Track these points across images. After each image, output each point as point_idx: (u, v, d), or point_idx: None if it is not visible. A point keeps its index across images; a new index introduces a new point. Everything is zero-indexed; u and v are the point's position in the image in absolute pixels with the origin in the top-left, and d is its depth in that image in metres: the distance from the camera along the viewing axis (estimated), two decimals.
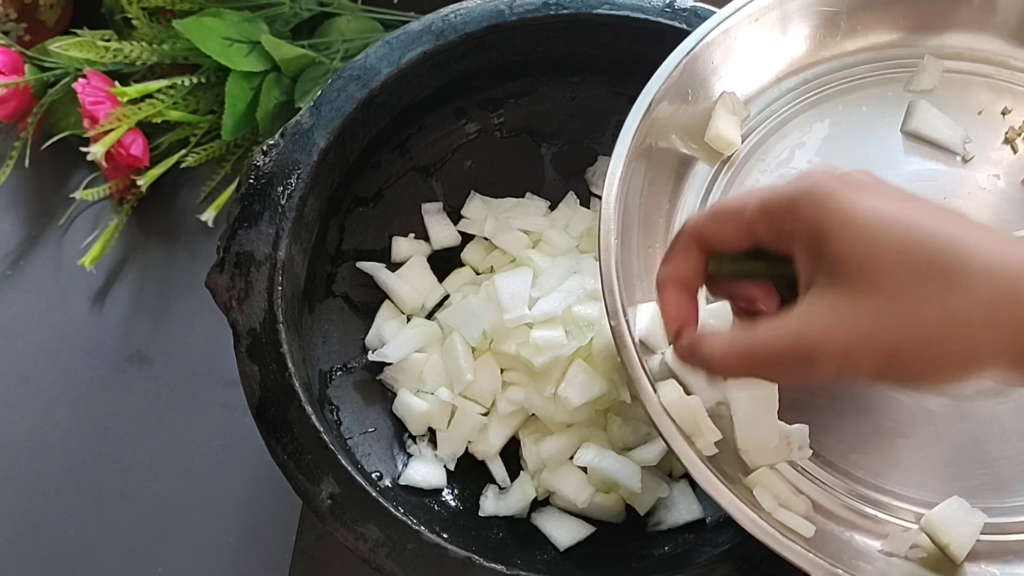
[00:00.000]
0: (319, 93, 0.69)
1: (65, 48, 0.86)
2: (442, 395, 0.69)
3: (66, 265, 0.89)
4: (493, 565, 0.56)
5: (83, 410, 0.84)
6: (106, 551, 0.79)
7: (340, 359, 0.72)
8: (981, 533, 0.54)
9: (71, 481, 0.81)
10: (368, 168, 0.75)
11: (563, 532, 0.66)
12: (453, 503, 0.69)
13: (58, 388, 0.85)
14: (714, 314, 0.60)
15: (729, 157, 0.64)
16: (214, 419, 0.82)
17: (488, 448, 0.70)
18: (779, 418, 0.56)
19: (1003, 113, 0.64)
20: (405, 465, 0.69)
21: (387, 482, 0.67)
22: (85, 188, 0.88)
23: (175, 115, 0.87)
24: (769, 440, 0.56)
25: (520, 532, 0.68)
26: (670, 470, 0.69)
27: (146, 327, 0.87)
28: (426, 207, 0.78)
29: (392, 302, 0.74)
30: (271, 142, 0.67)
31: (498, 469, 0.70)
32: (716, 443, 0.55)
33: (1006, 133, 0.63)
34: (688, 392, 0.56)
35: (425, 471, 0.69)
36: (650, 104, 0.59)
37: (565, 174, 0.80)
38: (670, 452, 0.55)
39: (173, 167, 0.88)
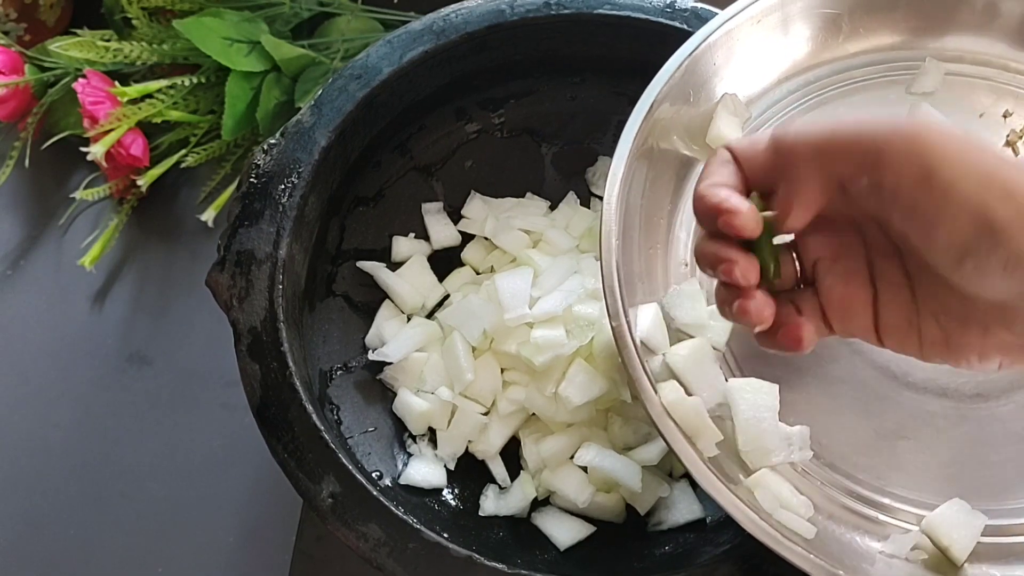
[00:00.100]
0: (320, 92, 0.69)
1: (65, 48, 0.86)
2: (442, 395, 0.69)
3: (66, 265, 0.89)
4: (494, 564, 0.56)
5: (83, 410, 0.84)
6: (106, 551, 0.79)
7: (340, 358, 0.72)
8: (982, 535, 0.54)
9: (71, 481, 0.81)
10: (369, 167, 0.75)
11: (564, 532, 0.66)
12: (453, 503, 0.69)
13: (58, 388, 0.85)
14: (715, 315, 0.60)
15: None
16: (214, 419, 0.82)
17: (488, 448, 0.70)
18: (780, 419, 0.57)
19: (1004, 116, 0.64)
20: (405, 465, 0.69)
21: (387, 481, 0.67)
22: (85, 188, 0.88)
23: (175, 115, 0.87)
24: (770, 441, 0.56)
25: (520, 532, 0.68)
26: (670, 470, 0.69)
27: (146, 327, 0.87)
28: (426, 207, 0.77)
29: (392, 302, 0.74)
30: (272, 141, 0.67)
31: (498, 469, 0.70)
32: (717, 444, 0.55)
33: (1007, 136, 0.63)
34: (689, 393, 0.56)
35: (425, 471, 0.68)
36: (652, 105, 0.59)
37: (565, 174, 0.80)
38: (671, 452, 0.55)
39: (173, 167, 0.88)
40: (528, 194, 0.79)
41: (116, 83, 0.87)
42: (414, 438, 0.71)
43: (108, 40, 0.87)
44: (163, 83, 0.86)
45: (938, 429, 0.58)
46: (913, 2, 0.64)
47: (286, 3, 0.90)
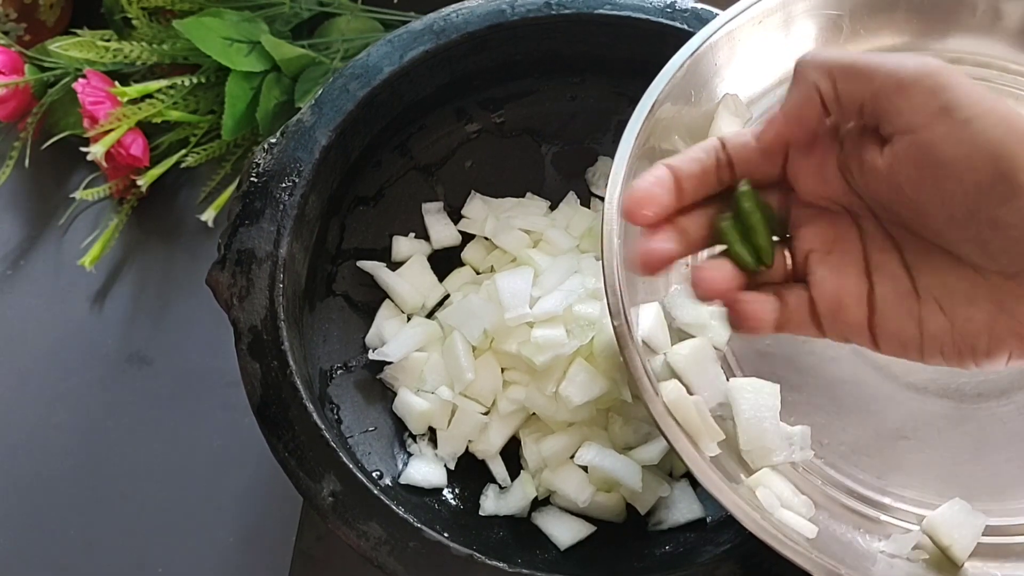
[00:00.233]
0: (321, 91, 0.69)
1: (65, 48, 0.86)
2: (443, 394, 0.69)
3: (66, 265, 0.89)
4: (495, 563, 0.56)
5: (83, 410, 0.84)
6: (106, 551, 0.79)
7: (340, 358, 0.72)
8: (983, 535, 0.54)
9: (71, 481, 0.81)
10: (369, 167, 0.75)
11: (564, 531, 0.66)
12: (453, 502, 0.69)
13: (58, 388, 0.85)
14: (716, 315, 0.60)
15: None
16: (214, 419, 0.82)
17: (488, 447, 0.70)
18: (781, 419, 0.57)
19: None
20: (405, 464, 0.69)
21: (387, 481, 0.67)
22: (85, 188, 0.88)
23: (175, 115, 0.87)
24: (771, 441, 0.56)
25: (521, 531, 0.68)
26: (671, 469, 0.69)
27: (146, 327, 0.87)
28: (427, 207, 0.78)
29: (392, 301, 0.74)
30: (272, 140, 0.67)
31: (499, 468, 0.70)
32: (719, 443, 0.55)
33: None
34: (691, 392, 0.56)
35: (426, 470, 0.68)
36: (653, 105, 0.59)
37: (566, 174, 0.80)
38: (672, 452, 0.55)
39: (173, 167, 0.88)
40: (528, 194, 0.79)
41: (116, 83, 0.87)
42: (414, 438, 0.71)
43: (108, 40, 0.87)
44: (163, 83, 0.86)
45: (939, 429, 0.58)
46: (914, 4, 0.64)
47: (286, 3, 0.90)
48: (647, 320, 0.58)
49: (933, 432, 0.58)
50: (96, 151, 0.83)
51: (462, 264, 0.77)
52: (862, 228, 0.48)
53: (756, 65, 0.64)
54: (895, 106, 0.43)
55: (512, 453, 0.71)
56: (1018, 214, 0.41)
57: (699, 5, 0.70)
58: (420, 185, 0.78)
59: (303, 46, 0.87)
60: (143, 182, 0.87)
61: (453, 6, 0.72)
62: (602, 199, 0.73)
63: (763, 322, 0.48)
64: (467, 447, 0.70)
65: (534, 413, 0.69)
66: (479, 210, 0.77)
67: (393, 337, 0.72)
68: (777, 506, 0.54)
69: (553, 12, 0.71)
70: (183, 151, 0.88)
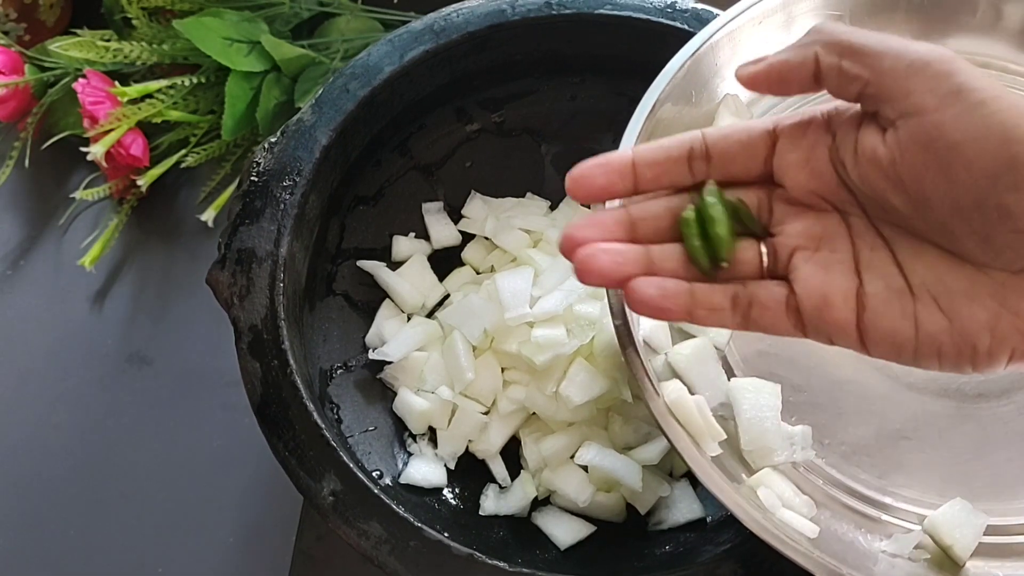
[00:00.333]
0: (321, 91, 0.69)
1: (65, 48, 0.86)
2: (443, 394, 0.69)
3: (66, 265, 0.89)
4: (495, 563, 0.56)
5: (83, 410, 0.84)
6: (106, 551, 0.78)
7: (340, 357, 0.72)
8: (984, 534, 0.54)
9: (71, 481, 0.81)
10: (369, 167, 0.75)
11: (564, 531, 0.66)
12: (454, 502, 0.69)
13: (58, 388, 0.85)
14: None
15: None
16: (214, 419, 0.82)
17: (489, 447, 0.70)
18: (782, 419, 0.57)
19: None
20: (405, 464, 0.69)
21: (387, 481, 0.67)
22: (85, 188, 0.88)
23: (175, 115, 0.87)
24: (772, 441, 0.56)
25: (521, 531, 0.68)
26: (671, 469, 0.69)
27: (146, 327, 0.87)
28: (427, 206, 0.78)
29: (392, 301, 0.74)
30: (273, 140, 0.67)
31: (499, 468, 0.70)
32: (720, 443, 0.55)
33: None
34: (692, 392, 0.56)
35: (426, 470, 0.68)
36: (654, 106, 0.59)
37: (565, 174, 0.80)
38: (673, 452, 0.55)
39: (173, 167, 0.88)
40: (528, 194, 0.79)
41: (116, 83, 0.86)
42: (414, 437, 0.71)
43: (108, 40, 0.87)
44: (163, 83, 0.86)
45: (940, 429, 0.58)
46: (915, 4, 0.64)
47: (286, 3, 0.90)
48: (648, 320, 0.58)
49: (934, 432, 0.58)
50: (96, 151, 0.83)
51: (462, 264, 0.77)
52: (851, 226, 0.47)
53: None
54: (904, 87, 0.43)
55: (512, 453, 0.71)
56: None
57: (699, 5, 0.70)
58: (420, 185, 0.78)
59: (303, 46, 0.87)
60: (143, 182, 0.87)
61: (453, 6, 0.72)
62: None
63: (647, 296, 0.46)
64: (467, 447, 0.70)
65: (534, 413, 0.69)
66: (479, 210, 0.77)
67: (393, 337, 0.72)
68: (778, 506, 0.54)
69: (553, 12, 0.71)
70: (183, 151, 0.88)
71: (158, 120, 0.86)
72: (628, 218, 0.49)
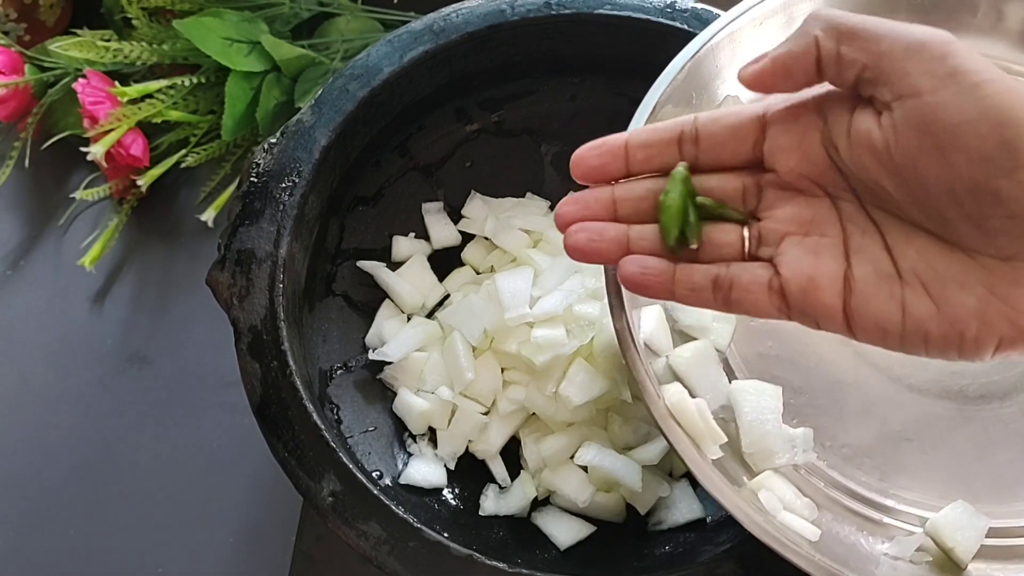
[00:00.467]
0: (320, 91, 0.69)
1: (65, 48, 0.86)
2: (442, 394, 0.69)
3: (66, 265, 0.89)
4: (495, 563, 0.56)
5: (83, 410, 0.84)
6: (106, 551, 0.78)
7: (340, 358, 0.72)
8: (986, 537, 0.54)
9: (71, 481, 0.81)
10: (369, 167, 0.75)
11: (564, 531, 0.66)
12: (453, 502, 0.69)
13: (58, 388, 0.85)
14: (718, 317, 0.60)
15: None
16: (214, 419, 0.82)
17: (488, 447, 0.69)
18: (783, 421, 0.56)
19: None
20: (405, 464, 0.69)
21: (387, 481, 0.67)
22: (85, 188, 0.88)
23: (175, 115, 0.87)
24: (774, 443, 0.56)
25: (521, 531, 0.68)
26: (671, 469, 0.69)
27: (146, 327, 0.87)
28: (426, 206, 0.77)
29: (392, 301, 0.74)
30: (272, 140, 0.67)
31: (498, 468, 0.70)
32: (721, 446, 0.55)
33: None
34: (693, 395, 0.56)
35: (425, 470, 0.68)
36: (654, 107, 0.59)
37: (565, 174, 0.79)
38: (675, 455, 0.55)
39: (173, 167, 0.88)
40: (528, 194, 0.79)
41: (116, 83, 0.86)
42: (414, 438, 0.71)
43: (108, 40, 0.87)
44: (163, 83, 0.86)
45: (942, 431, 0.58)
46: (915, 4, 0.64)
47: (286, 3, 0.90)
48: (649, 322, 0.58)
49: (936, 434, 0.58)
50: (96, 151, 0.83)
51: (462, 264, 0.77)
52: (841, 210, 0.47)
53: None
54: (902, 68, 0.42)
55: (512, 453, 0.71)
56: (1020, 187, 0.40)
57: (699, 5, 0.70)
58: (420, 185, 0.78)
59: (303, 46, 0.87)
60: (143, 182, 0.86)
61: (453, 6, 0.72)
62: None
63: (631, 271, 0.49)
64: (467, 447, 0.70)
65: (534, 413, 0.69)
66: (479, 210, 0.77)
67: (393, 337, 0.72)
68: (780, 509, 0.54)
69: (553, 12, 0.71)
70: (183, 151, 0.88)
71: (158, 120, 0.86)
72: (611, 197, 0.51)
